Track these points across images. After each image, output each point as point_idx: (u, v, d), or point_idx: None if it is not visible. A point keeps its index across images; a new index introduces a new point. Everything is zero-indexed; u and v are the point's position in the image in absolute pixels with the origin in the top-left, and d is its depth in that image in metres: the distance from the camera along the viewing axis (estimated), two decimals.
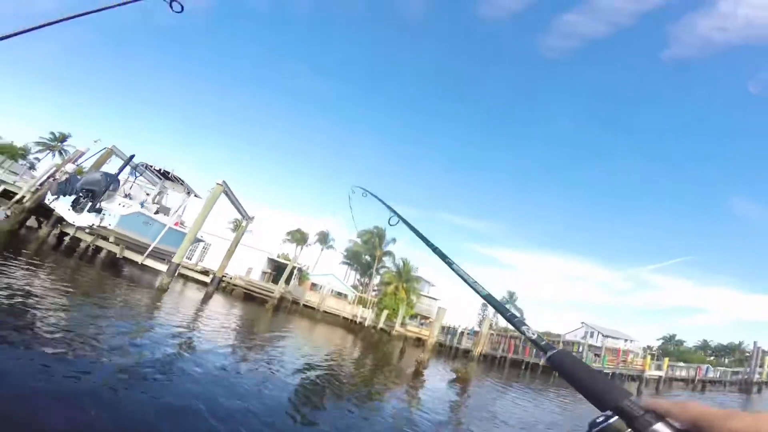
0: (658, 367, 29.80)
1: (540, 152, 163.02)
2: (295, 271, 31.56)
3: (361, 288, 47.41)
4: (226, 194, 16.69)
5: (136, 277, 16.06)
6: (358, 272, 51.22)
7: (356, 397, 7.32)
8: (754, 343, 34.14)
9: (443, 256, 1.34)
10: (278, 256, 38.47)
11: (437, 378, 14.61)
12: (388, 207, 2.04)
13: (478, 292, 1.03)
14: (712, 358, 60.85)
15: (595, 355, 31.73)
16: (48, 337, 4.85)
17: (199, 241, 22.95)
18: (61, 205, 14.66)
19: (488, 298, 1.01)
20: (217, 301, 17.90)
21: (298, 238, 54.14)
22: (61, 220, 15.42)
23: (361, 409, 6.50)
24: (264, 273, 33.72)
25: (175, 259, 14.53)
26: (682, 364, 37.86)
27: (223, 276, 23.56)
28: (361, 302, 35.38)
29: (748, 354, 43.49)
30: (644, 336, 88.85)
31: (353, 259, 48.78)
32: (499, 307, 0.94)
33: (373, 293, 42.79)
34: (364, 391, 8.23)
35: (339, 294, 38.70)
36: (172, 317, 9.57)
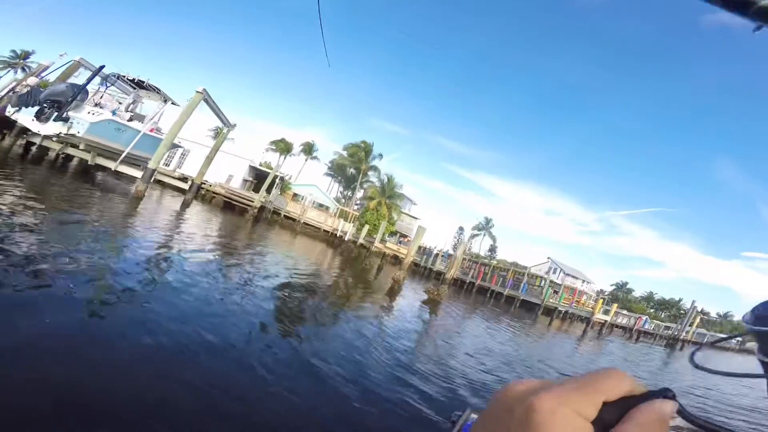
0: (606, 312, 31.59)
1: (543, 88, 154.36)
2: (277, 181, 31.12)
3: (343, 201, 47.80)
4: (206, 102, 15.51)
5: (110, 185, 15.52)
6: (341, 185, 51.22)
7: (333, 314, 7.80)
8: (692, 302, 36.92)
9: None
10: (261, 165, 37.61)
11: (411, 297, 15.61)
12: None
13: None
14: (652, 310, 64.59)
15: (554, 291, 33.02)
16: (21, 255, 4.70)
17: (177, 147, 21.89)
18: (24, 116, 13.81)
19: None
20: (196, 210, 17.75)
21: (282, 147, 52.44)
22: (25, 130, 14.51)
23: (337, 326, 6.95)
24: (245, 181, 33.24)
25: (151, 165, 13.95)
26: (625, 312, 40.86)
27: (202, 183, 23.08)
28: (343, 215, 35.94)
29: (683, 311, 47.52)
30: (601, 279, 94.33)
31: (338, 171, 48.28)
32: None
33: (356, 207, 43.40)
34: (341, 307, 8.73)
35: (321, 206, 39.05)
36: (149, 228, 9.45)
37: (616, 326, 34.41)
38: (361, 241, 31.70)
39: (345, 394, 4.21)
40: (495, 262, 49.02)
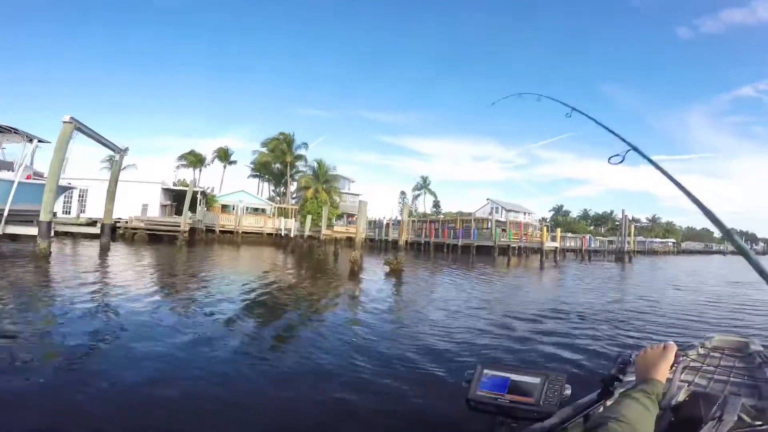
0: (554, 239, 32.71)
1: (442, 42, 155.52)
2: (199, 196, 28.82)
3: (278, 199, 45.88)
4: (81, 131, 13.33)
5: (5, 252, 12.99)
6: (271, 183, 48.93)
7: (303, 313, 7.30)
8: (622, 211, 39.04)
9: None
10: (175, 184, 34.45)
11: (373, 273, 15.40)
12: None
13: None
14: (591, 227, 70.07)
15: (502, 230, 33.94)
16: None
17: (69, 188, 19.06)
18: None
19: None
20: (119, 252, 15.71)
21: (193, 160, 48.31)
22: None
23: (312, 324, 6.50)
24: (163, 206, 30.25)
25: (43, 217, 11.83)
26: (570, 234, 44.15)
27: (116, 221, 20.59)
28: (282, 213, 34.56)
29: (617, 223, 50.88)
30: (539, 208, 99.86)
31: (263, 170, 45.89)
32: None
33: (293, 201, 41.87)
34: (309, 304, 8.19)
35: (256, 210, 37.07)
36: (70, 286, 7.98)
37: (567, 251, 36.59)
38: (308, 233, 30.73)
39: (351, 380, 4.01)
40: (442, 216, 50.41)
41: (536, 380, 1.06)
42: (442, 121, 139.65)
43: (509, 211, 46.51)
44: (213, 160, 50.34)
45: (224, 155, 50.17)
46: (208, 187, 38.12)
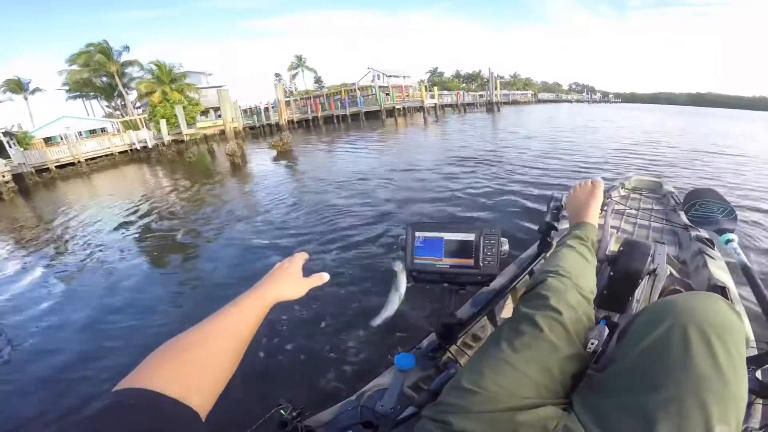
0: (432, 97, 34.57)
1: None
2: (3, 138, 22.30)
3: (118, 113, 38.04)
4: None
5: None
6: (102, 99, 39.54)
7: (199, 227, 6.69)
8: (488, 69, 41.89)
9: None
10: None
11: (259, 160, 14.46)
12: None
13: None
14: (464, 85, 75.12)
15: (386, 94, 35.17)
16: None
17: None
18: None
19: None
20: None
21: None
22: None
23: (212, 236, 6.06)
24: None
25: None
26: (446, 92, 46.25)
27: None
28: (130, 126, 29.14)
29: (485, 80, 54.38)
30: (416, 72, 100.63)
31: (84, 88, 36.47)
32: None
33: (140, 112, 35.21)
34: (203, 215, 7.51)
35: (93, 131, 30.38)
36: None
37: (446, 106, 39.21)
38: (167, 138, 26.79)
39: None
40: (326, 90, 47.70)
41: (470, 236, 0.94)
42: None
43: (390, 76, 45.73)
44: (5, 94, 37.97)
45: (18, 86, 38.12)
46: (12, 125, 29.24)
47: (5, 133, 23.87)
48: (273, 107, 33.78)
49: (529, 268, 1.31)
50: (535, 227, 1.40)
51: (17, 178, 19.05)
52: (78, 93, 37.96)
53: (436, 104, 33.97)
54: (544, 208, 1.19)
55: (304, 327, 3.00)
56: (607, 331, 0.69)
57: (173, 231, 6.38)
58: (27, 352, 3.40)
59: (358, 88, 39.63)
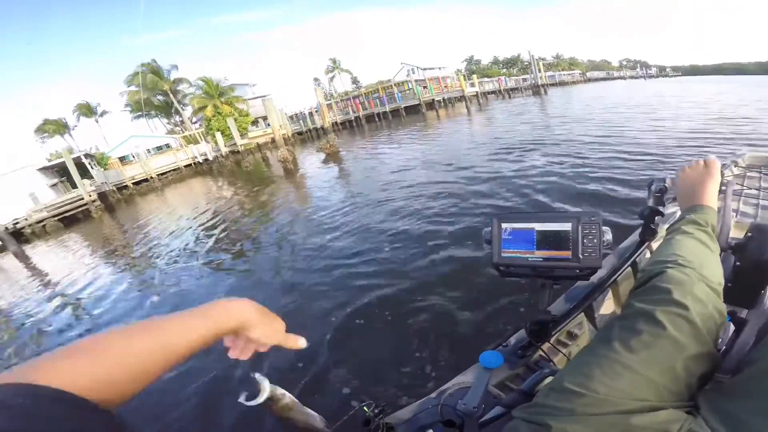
0: (472, 85, 33.46)
1: None
2: (85, 160, 25.00)
3: (179, 128, 41.02)
4: None
5: None
6: (162, 116, 42.88)
7: (260, 230, 7.25)
8: (528, 52, 39.41)
9: None
10: (50, 159, 29.21)
11: (309, 164, 14.94)
12: None
13: None
14: (504, 70, 72.39)
15: (423, 87, 34.13)
16: None
17: None
18: None
19: None
20: (41, 252, 13.39)
21: (54, 128, 40.59)
22: None
23: (273, 239, 6.49)
24: (53, 186, 26.03)
25: None
26: (486, 79, 44.83)
27: (15, 223, 17.89)
28: (191, 141, 31.34)
29: (526, 63, 52.12)
30: (451, 62, 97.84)
31: (143, 108, 39.73)
32: None
33: (196, 126, 37.69)
34: (261, 220, 8.11)
35: (159, 148, 33.04)
36: (29, 309, 6.98)
37: (488, 93, 37.94)
38: (225, 150, 28.57)
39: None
40: (363, 90, 48.25)
41: (566, 226, 0.86)
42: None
43: (425, 69, 44.95)
44: (78, 120, 42.54)
45: (88, 110, 42.43)
46: (90, 148, 32.72)
47: (86, 155, 26.80)
48: (316, 111, 34.88)
49: (631, 259, 1.20)
50: (625, 215, 1.28)
51: (101, 196, 21.37)
52: (140, 113, 41.55)
53: (477, 92, 33.05)
54: (628, 193, 1.11)
55: (391, 327, 3.10)
56: (732, 328, 0.63)
57: (241, 237, 6.94)
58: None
59: (394, 84, 39.61)
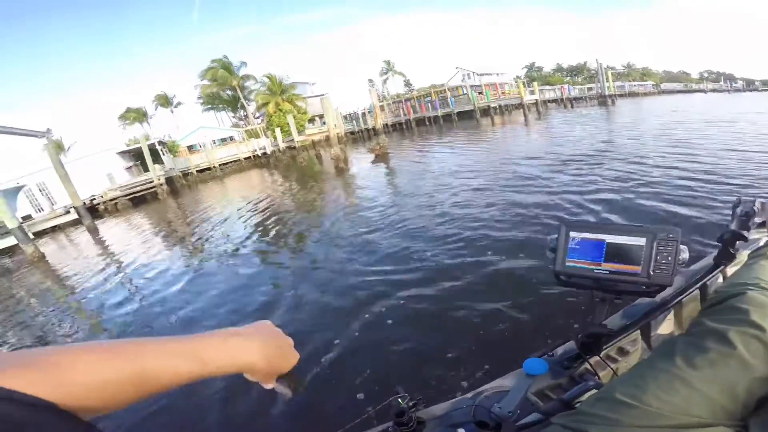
0: (532, 93, 31.11)
1: None
2: (158, 147, 27.25)
3: (243, 123, 43.61)
4: None
5: None
6: (228, 110, 45.85)
7: (308, 224, 7.40)
8: (596, 60, 36.82)
9: None
10: (128, 145, 32.23)
11: (360, 164, 15.14)
12: None
13: None
14: (567, 78, 68.25)
15: (478, 93, 32.88)
16: None
17: (18, 189, 17.96)
18: None
19: None
20: (110, 227, 15.06)
21: (134, 116, 44.73)
22: None
23: (321, 233, 6.58)
24: (128, 169, 28.70)
25: (9, 225, 11.20)
26: (548, 87, 41.82)
27: (91, 199, 19.89)
28: (252, 135, 33.15)
29: (593, 72, 48.41)
30: (510, 68, 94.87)
31: (213, 101, 42.71)
32: None
33: (258, 121, 39.80)
34: (310, 214, 8.31)
35: (224, 140, 35.31)
36: (77, 277, 7.89)
37: (548, 102, 35.42)
38: (282, 145, 29.84)
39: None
40: (415, 93, 48.34)
41: (640, 241, 0.82)
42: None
43: (481, 75, 43.21)
44: (156, 109, 46.64)
45: (165, 101, 46.38)
46: (164, 136, 35.76)
47: (160, 143, 29.30)
48: (369, 112, 35.34)
49: (702, 281, 1.15)
50: (697, 235, 1.15)
51: (168, 180, 23.18)
52: (210, 106, 44.70)
53: (537, 100, 30.73)
54: (704, 215, 1.00)
55: (434, 326, 3.08)
56: None
57: (291, 229, 7.18)
58: (153, 306, 4.88)
59: (448, 89, 39.02)
